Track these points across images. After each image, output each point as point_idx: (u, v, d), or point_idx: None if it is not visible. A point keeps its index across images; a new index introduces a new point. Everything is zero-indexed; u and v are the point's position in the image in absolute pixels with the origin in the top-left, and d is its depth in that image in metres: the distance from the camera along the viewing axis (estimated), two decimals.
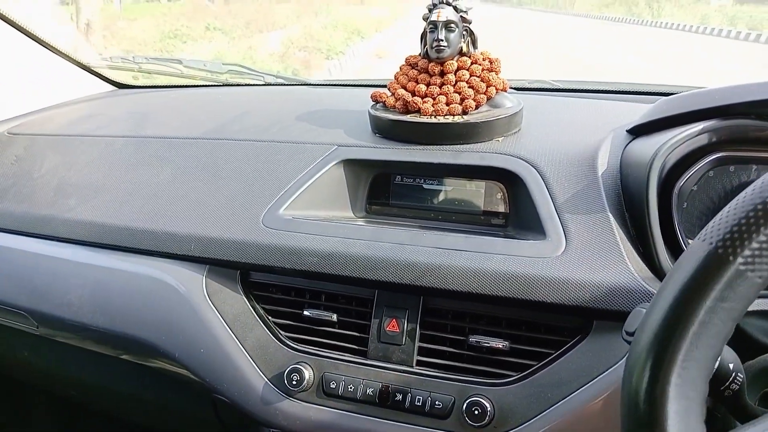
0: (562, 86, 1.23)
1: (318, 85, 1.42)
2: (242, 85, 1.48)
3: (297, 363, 0.77)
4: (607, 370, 0.66)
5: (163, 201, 0.92)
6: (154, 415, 1.20)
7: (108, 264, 0.91)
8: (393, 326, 0.76)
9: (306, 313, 0.80)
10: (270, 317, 0.83)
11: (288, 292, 0.84)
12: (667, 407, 0.39)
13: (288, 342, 0.80)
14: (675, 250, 0.71)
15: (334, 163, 0.88)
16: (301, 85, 1.44)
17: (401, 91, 0.90)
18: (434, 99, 0.88)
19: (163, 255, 0.88)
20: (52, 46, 1.41)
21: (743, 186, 0.74)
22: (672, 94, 0.80)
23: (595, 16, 23.58)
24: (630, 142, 0.80)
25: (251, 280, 0.85)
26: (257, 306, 0.83)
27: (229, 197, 0.89)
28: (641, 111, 0.83)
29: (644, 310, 0.53)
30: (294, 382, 0.76)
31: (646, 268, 0.69)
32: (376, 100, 0.94)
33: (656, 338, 0.41)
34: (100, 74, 1.56)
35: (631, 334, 0.52)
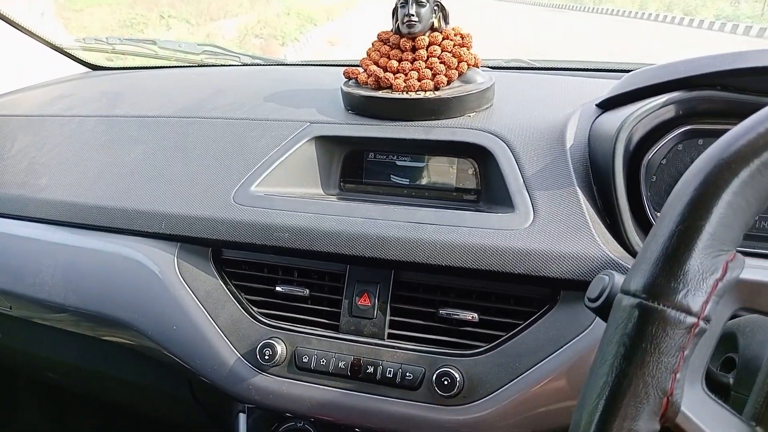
0: (537, 65, 1.23)
1: (293, 65, 1.41)
2: (217, 65, 1.46)
3: (269, 338, 0.77)
4: (573, 339, 0.67)
5: (135, 179, 0.92)
6: (132, 394, 1.20)
7: (79, 243, 0.91)
8: (364, 300, 0.77)
9: (278, 288, 0.81)
10: (242, 293, 0.83)
11: (260, 268, 0.84)
12: None
13: (260, 318, 0.80)
14: (642, 223, 0.72)
15: (306, 140, 0.88)
16: (276, 65, 1.43)
17: (373, 67, 0.90)
18: (406, 75, 0.88)
19: (135, 233, 0.88)
20: (24, 28, 1.38)
21: None
22: None
23: (541, 3, 23.96)
24: (598, 116, 0.81)
25: (223, 257, 0.85)
26: (229, 282, 0.83)
27: (200, 175, 0.88)
28: (609, 87, 0.84)
29: (606, 277, 0.53)
30: (266, 357, 0.76)
31: (612, 239, 0.69)
32: (348, 76, 0.94)
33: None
34: (73, 56, 1.53)
35: (593, 300, 0.53)
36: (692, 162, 0.76)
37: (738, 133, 0.40)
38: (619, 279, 0.53)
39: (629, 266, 0.67)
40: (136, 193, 0.89)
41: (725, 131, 0.73)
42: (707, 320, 0.39)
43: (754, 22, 11.70)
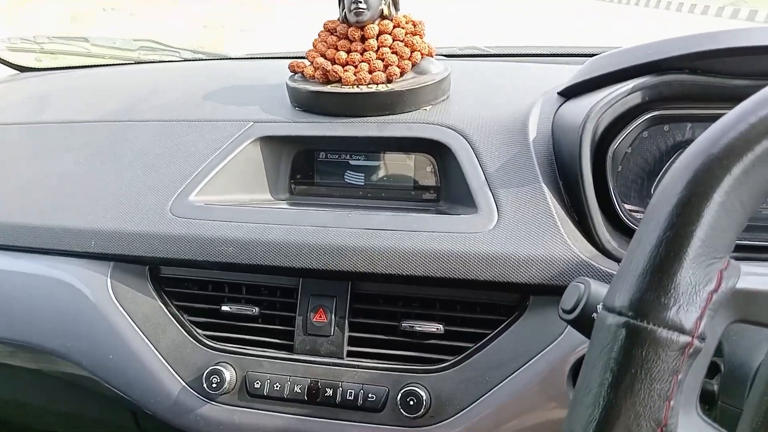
0: (493, 52, 1.18)
1: (237, 59, 1.32)
2: (156, 62, 1.36)
3: (217, 364, 0.70)
4: (545, 348, 0.63)
5: (61, 193, 0.83)
6: (71, 427, 1.11)
7: (1, 266, 0.82)
8: (320, 316, 0.70)
9: (224, 308, 0.74)
10: (185, 315, 0.75)
11: (204, 286, 0.76)
12: None
13: (206, 341, 0.73)
14: (610, 216, 0.68)
15: (249, 141, 0.81)
16: (220, 59, 1.34)
17: (320, 60, 0.83)
18: (356, 67, 0.81)
19: (63, 253, 0.79)
20: None
21: (679, 145, 0.71)
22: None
23: None
24: (561, 105, 0.76)
25: (162, 276, 0.77)
26: (170, 303, 0.76)
27: (133, 185, 0.80)
28: (573, 73, 0.79)
29: (581, 285, 0.49)
30: (214, 385, 0.69)
31: (583, 238, 0.65)
32: (294, 70, 0.87)
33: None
34: None
35: (568, 312, 0.48)
36: (659, 150, 0.73)
37: (727, 124, 0.35)
38: (595, 287, 0.48)
39: (601, 266, 0.62)
40: (63, 209, 0.81)
41: (692, 116, 0.70)
42: (702, 338, 0.34)
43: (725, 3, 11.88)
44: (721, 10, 11.67)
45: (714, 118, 0.71)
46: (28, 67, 1.46)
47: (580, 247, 0.63)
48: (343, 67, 0.82)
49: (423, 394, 0.64)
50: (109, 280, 0.76)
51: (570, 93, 0.76)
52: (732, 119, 0.35)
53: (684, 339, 0.33)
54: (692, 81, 0.66)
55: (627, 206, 0.70)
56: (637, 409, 0.33)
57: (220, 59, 1.35)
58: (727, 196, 0.34)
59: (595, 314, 0.47)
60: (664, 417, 0.34)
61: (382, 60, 0.81)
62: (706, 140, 0.35)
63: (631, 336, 0.34)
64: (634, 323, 0.34)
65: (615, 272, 0.61)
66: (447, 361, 0.67)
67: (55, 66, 1.50)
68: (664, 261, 0.34)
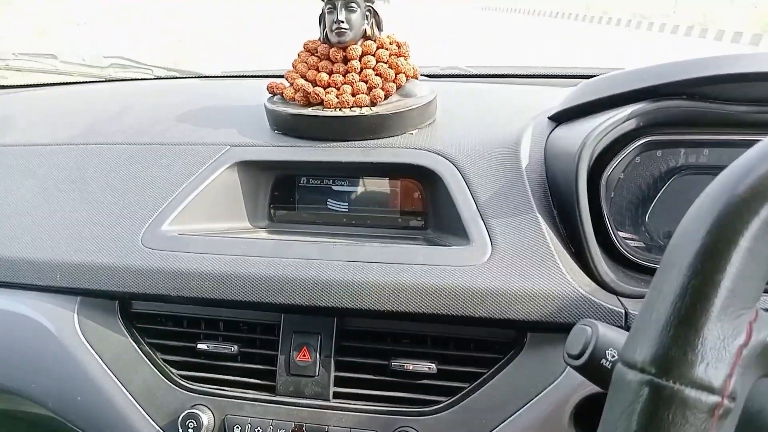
0: (476, 72, 1.15)
1: (213, 77, 1.28)
2: (127, 80, 1.31)
3: (193, 407, 0.65)
4: (545, 389, 0.59)
5: (22, 223, 0.77)
6: None
7: None
8: (304, 355, 0.66)
9: (201, 346, 0.69)
10: (158, 353, 0.70)
11: (178, 322, 0.71)
12: None
13: (181, 382, 0.68)
14: (605, 244, 0.65)
15: (226, 166, 0.76)
16: (194, 77, 1.29)
17: (300, 81, 0.79)
18: (338, 89, 0.78)
19: (26, 287, 0.73)
20: None
21: (672, 171, 0.69)
22: (591, 76, 0.75)
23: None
24: (553, 130, 0.73)
25: (133, 311, 0.72)
26: (142, 341, 0.70)
27: (101, 213, 0.75)
28: (561, 95, 0.77)
29: (588, 329, 0.46)
30: (190, 430, 0.64)
31: (580, 270, 0.62)
32: (272, 92, 0.83)
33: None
34: None
35: (575, 357, 0.45)
36: (651, 175, 0.71)
37: (751, 160, 0.32)
38: (603, 330, 0.45)
39: (601, 302, 0.59)
40: (24, 239, 0.75)
41: (686, 141, 0.68)
42: (733, 398, 0.31)
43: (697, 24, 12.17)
44: (690, 29, 12.01)
45: (709, 144, 0.70)
46: None
47: (578, 281, 0.60)
48: (324, 89, 0.78)
49: None
50: (76, 315, 0.71)
51: (562, 117, 0.74)
52: (755, 155, 0.32)
53: (713, 399, 0.30)
54: (689, 107, 0.64)
55: (621, 234, 0.68)
56: None
57: (195, 77, 1.30)
58: (755, 242, 0.31)
59: (604, 360, 0.44)
60: None
61: (366, 82, 0.78)
62: (729, 178, 0.32)
63: (655, 396, 0.31)
64: (658, 382, 0.31)
65: (617, 308, 0.59)
66: (440, 402, 0.63)
67: (21, 84, 1.44)
68: (689, 313, 0.31)
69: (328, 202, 0.80)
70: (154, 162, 0.80)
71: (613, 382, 0.34)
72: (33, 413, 0.76)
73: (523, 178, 0.68)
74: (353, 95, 0.77)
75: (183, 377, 0.68)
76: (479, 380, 0.63)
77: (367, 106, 0.77)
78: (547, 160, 0.70)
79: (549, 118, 0.76)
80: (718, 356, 0.31)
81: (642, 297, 0.61)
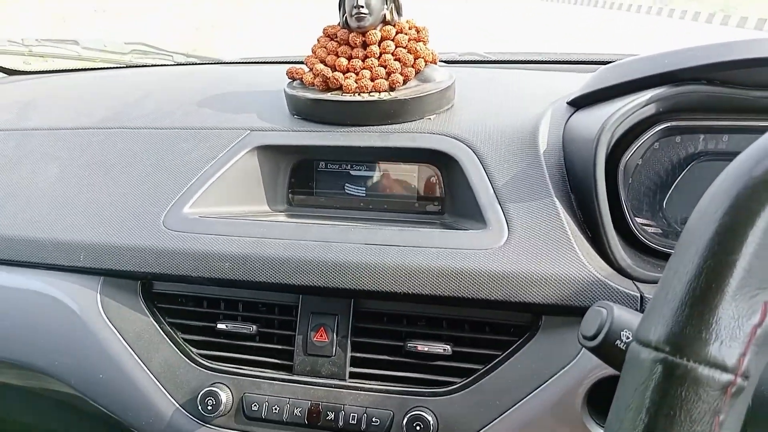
0: (494, 58, 1.15)
1: (232, 63, 1.29)
2: (148, 66, 1.32)
3: (212, 384, 0.67)
4: (559, 371, 0.60)
5: (47, 204, 0.79)
6: None
7: None
8: (321, 336, 0.67)
9: (220, 326, 0.70)
10: (179, 333, 0.72)
11: (198, 302, 0.73)
12: None
13: (201, 360, 0.69)
14: (622, 231, 0.65)
15: (246, 150, 0.77)
16: (214, 64, 1.30)
17: (320, 66, 0.79)
18: (357, 74, 0.78)
19: (50, 267, 0.75)
20: None
21: (691, 158, 0.68)
22: (611, 62, 0.74)
23: None
24: (571, 115, 0.73)
25: (154, 291, 0.74)
26: (163, 321, 0.72)
27: (123, 196, 0.76)
28: (579, 82, 0.76)
29: (603, 311, 0.46)
30: (210, 407, 0.66)
31: (597, 256, 0.62)
32: (292, 77, 0.83)
33: None
34: None
35: (590, 338, 0.46)
36: (670, 162, 0.71)
37: None
38: (619, 312, 0.45)
39: (618, 286, 0.59)
40: (49, 221, 0.77)
41: (705, 127, 0.68)
42: (746, 376, 0.31)
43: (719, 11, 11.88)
44: (711, 16, 11.75)
45: (728, 130, 0.69)
46: (15, 71, 1.42)
47: (595, 266, 0.60)
48: (344, 74, 0.79)
49: (430, 418, 0.61)
50: (98, 295, 0.73)
51: (581, 103, 0.74)
52: None
53: (726, 377, 0.30)
54: (709, 92, 0.63)
55: (638, 220, 0.67)
56: None
57: (215, 63, 1.31)
58: None
59: (618, 341, 0.44)
60: None
61: (385, 67, 0.78)
62: (747, 160, 0.33)
63: (668, 374, 0.31)
64: (672, 360, 0.31)
65: (632, 292, 0.59)
66: (455, 383, 0.64)
67: (44, 69, 1.46)
68: (705, 292, 0.31)
69: (345, 187, 0.81)
70: (176, 146, 0.81)
71: (627, 360, 0.34)
72: (56, 391, 0.78)
73: (541, 163, 0.68)
74: (372, 80, 0.77)
75: (202, 356, 0.70)
76: (493, 362, 0.63)
77: (385, 91, 0.77)
78: (565, 145, 0.70)
79: (568, 103, 0.76)
80: (732, 335, 0.31)
81: (657, 282, 0.61)
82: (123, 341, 0.71)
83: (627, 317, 0.45)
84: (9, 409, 0.94)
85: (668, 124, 0.66)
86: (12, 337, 0.76)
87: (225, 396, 0.66)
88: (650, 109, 0.65)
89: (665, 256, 0.65)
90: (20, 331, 0.76)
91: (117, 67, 1.35)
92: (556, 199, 0.65)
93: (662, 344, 0.32)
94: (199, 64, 1.31)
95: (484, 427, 0.61)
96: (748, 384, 0.31)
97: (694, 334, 0.31)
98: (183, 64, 1.32)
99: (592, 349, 0.46)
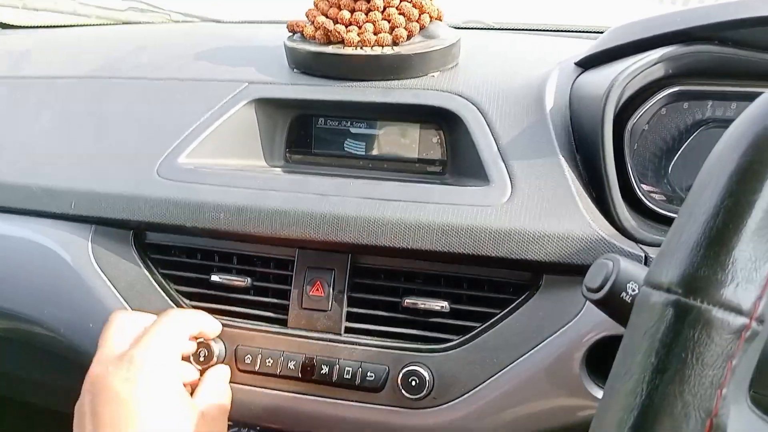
0: (499, 26, 1.13)
1: (232, 22, 1.26)
2: (144, 23, 1.30)
3: None
4: (559, 330, 0.59)
5: (39, 151, 0.77)
6: (52, 397, 1.05)
7: None
8: (317, 290, 0.66)
9: (214, 278, 0.69)
10: (171, 284, 0.70)
11: (192, 254, 0.71)
12: None
13: None
14: (626, 194, 0.64)
15: (244, 103, 0.75)
16: (212, 21, 1.28)
17: (321, 19, 0.77)
18: (360, 27, 0.76)
19: (40, 214, 0.74)
20: None
21: (698, 124, 0.67)
22: None
23: None
24: (579, 75, 0.72)
25: (147, 242, 0.72)
26: (155, 271, 0.71)
27: (117, 145, 0.74)
28: (589, 45, 0.75)
29: (609, 263, 0.45)
30: (202, 359, 0.64)
31: (601, 216, 0.61)
32: (292, 30, 0.81)
33: None
34: None
35: (595, 290, 0.45)
36: (676, 128, 0.69)
37: None
38: (625, 265, 0.44)
39: (622, 246, 0.58)
40: (40, 168, 0.75)
41: (713, 93, 0.66)
42: (761, 321, 0.30)
43: None
44: None
45: (737, 97, 0.68)
46: (8, 24, 1.38)
47: (599, 224, 0.59)
48: (346, 27, 0.77)
49: (426, 374, 0.60)
50: (90, 244, 0.71)
51: (589, 63, 0.72)
52: None
53: (741, 321, 0.29)
54: (721, 53, 0.62)
55: (643, 186, 0.66)
56: (685, 398, 0.30)
57: (213, 21, 1.28)
58: None
59: (624, 293, 0.43)
60: (714, 407, 0.30)
61: (389, 21, 0.76)
62: (765, 103, 0.32)
63: (680, 316, 0.30)
64: (684, 301, 0.30)
65: (637, 252, 0.58)
66: (451, 340, 0.63)
67: (39, 24, 1.43)
68: (721, 233, 0.30)
69: (345, 145, 0.79)
70: (171, 97, 0.79)
71: (637, 304, 0.33)
72: (45, 338, 0.77)
73: (547, 122, 0.66)
74: (375, 34, 0.75)
75: (195, 308, 0.69)
76: (492, 320, 0.62)
77: (388, 46, 0.75)
78: (572, 104, 0.68)
79: (575, 63, 0.74)
80: (748, 277, 0.30)
81: (660, 245, 0.60)
82: (115, 291, 0.69)
83: (633, 270, 0.44)
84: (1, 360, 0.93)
85: (676, 89, 0.65)
86: (1, 285, 0.75)
87: (218, 348, 0.65)
88: (659, 70, 0.63)
89: (668, 221, 0.64)
90: (8, 279, 0.75)
91: (113, 24, 1.32)
92: (561, 158, 0.63)
93: (675, 286, 0.31)
94: (197, 22, 1.28)
95: (480, 384, 0.60)
96: (762, 329, 0.30)
97: (708, 276, 0.30)
98: (180, 22, 1.29)
99: (596, 302, 0.45)
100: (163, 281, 0.70)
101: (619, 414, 0.31)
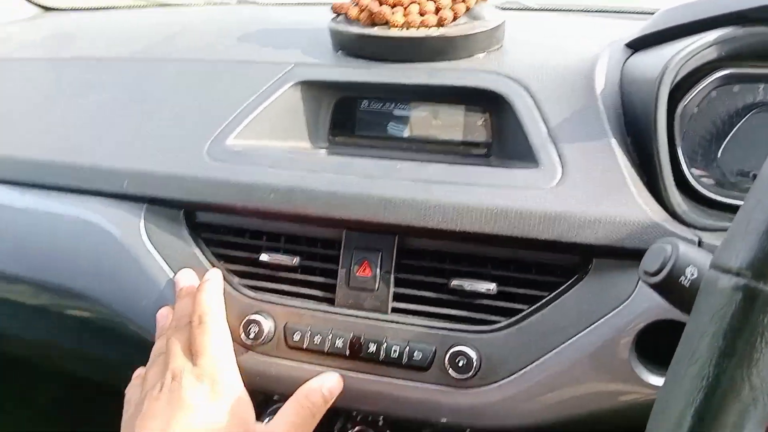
0: (539, 7, 1.11)
1: (269, 4, 1.26)
2: (184, 5, 1.31)
3: (255, 313, 0.67)
4: (608, 314, 0.59)
5: (90, 131, 0.79)
6: (101, 370, 1.09)
7: (27, 204, 0.79)
8: (364, 270, 0.67)
9: (263, 257, 0.70)
10: (221, 262, 0.72)
11: (241, 234, 0.73)
12: None
13: (244, 290, 0.69)
14: (677, 179, 0.63)
15: (290, 84, 0.76)
16: (253, 3, 1.28)
17: (366, 0, 0.77)
18: (405, 8, 0.76)
19: (93, 193, 0.76)
20: None
21: (749, 108, 0.66)
22: None
23: None
24: (630, 56, 0.71)
25: (198, 221, 0.74)
26: (206, 250, 0.72)
27: (165, 126, 0.76)
28: (636, 27, 0.74)
29: (668, 247, 0.45)
30: (252, 335, 0.66)
31: (653, 200, 0.60)
32: (337, 12, 0.81)
33: None
34: None
35: (653, 274, 0.45)
36: (726, 111, 0.68)
37: None
38: (684, 249, 0.44)
39: (675, 230, 0.58)
40: (92, 147, 0.77)
41: (766, 76, 0.65)
42: None
43: None
44: None
45: None
46: (52, 7, 1.41)
47: (652, 208, 0.59)
48: (391, 8, 0.77)
49: (473, 354, 0.61)
50: (142, 221, 0.73)
51: (640, 44, 0.71)
52: None
53: None
54: None
55: (693, 170, 0.66)
56: (753, 381, 0.30)
57: (253, 4, 1.29)
58: None
59: (683, 278, 0.43)
60: None
61: (434, 2, 0.75)
62: None
63: (749, 299, 0.30)
64: (755, 286, 0.30)
65: (690, 236, 0.57)
66: (499, 322, 0.63)
67: (81, 6, 1.45)
68: None
69: (388, 127, 0.80)
70: (217, 78, 0.80)
71: (703, 288, 0.34)
72: (99, 313, 0.79)
73: (598, 104, 0.66)
74: (420, 15, 0.75)
75: (246, 286, 0.70)
76: (539, 303, 0.62)
77: (433, 27, 0.75)
78: (624, 86, 0.67)
79: (626, 44, 0.73)
80: None
81: (713, 230, 0.59)
82: (167, 268, 0.71)
83: (692, 254, 0.43)
84: (46, 332, 0.96)
85: (728, 71, 0.64)
86: (54, 263, 0.78)
87: (268, 325, 0.66)
88: (713, 52, 0.62)
89: (720, 206, 0.63)
90: (62, 256, 0.77)
91: (154, 6, 1.33)
92: (613, 141, 0.63)
93: (744, 270, 0.31)
94: (237, 4, 1.29)
95: (527, 366, 0.61)
96: None
97: None
98: (218, 4, 1.30)
99: (654, 285, 0.45)
100: (213, 260, 0.71)
101: (685, 397, 0.32)
